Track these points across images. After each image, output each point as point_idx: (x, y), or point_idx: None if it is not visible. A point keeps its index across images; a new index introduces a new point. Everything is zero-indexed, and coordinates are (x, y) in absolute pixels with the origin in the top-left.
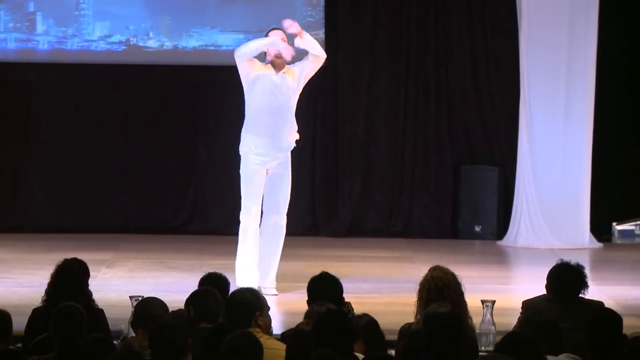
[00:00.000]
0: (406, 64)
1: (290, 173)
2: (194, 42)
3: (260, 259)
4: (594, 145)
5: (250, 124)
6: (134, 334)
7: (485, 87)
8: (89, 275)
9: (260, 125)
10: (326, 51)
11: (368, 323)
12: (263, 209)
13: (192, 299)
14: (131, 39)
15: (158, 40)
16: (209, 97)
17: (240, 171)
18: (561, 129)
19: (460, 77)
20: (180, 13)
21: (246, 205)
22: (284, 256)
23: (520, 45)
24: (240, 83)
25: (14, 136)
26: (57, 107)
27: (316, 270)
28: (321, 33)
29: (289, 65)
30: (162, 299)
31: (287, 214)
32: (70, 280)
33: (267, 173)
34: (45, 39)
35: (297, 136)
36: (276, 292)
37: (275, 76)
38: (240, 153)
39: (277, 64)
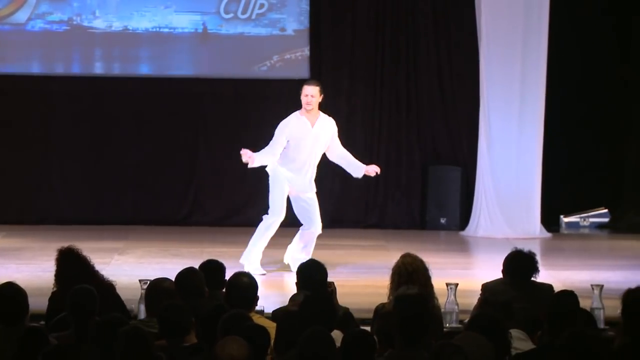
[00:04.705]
0: (380, 77)
1: None
2: (146, 22)
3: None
4: (544, 148)
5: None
6: (142, 313)
7: (449, 97)
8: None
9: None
10: (311, 66)
11: (344, 315)
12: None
13: (176, 281)
14: (74, 17)
15: (106, 20)
16: (208, 105)
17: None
18: (515, 133)
19: (428, 88)
20: None
21: None
22: (276, 245)
23: (480, 60)
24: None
25: (34, 140)
26: (72, 114)
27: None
28: (307, 50)
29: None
30: None
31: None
32: (69, 265)
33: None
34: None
35: None
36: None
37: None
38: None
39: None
